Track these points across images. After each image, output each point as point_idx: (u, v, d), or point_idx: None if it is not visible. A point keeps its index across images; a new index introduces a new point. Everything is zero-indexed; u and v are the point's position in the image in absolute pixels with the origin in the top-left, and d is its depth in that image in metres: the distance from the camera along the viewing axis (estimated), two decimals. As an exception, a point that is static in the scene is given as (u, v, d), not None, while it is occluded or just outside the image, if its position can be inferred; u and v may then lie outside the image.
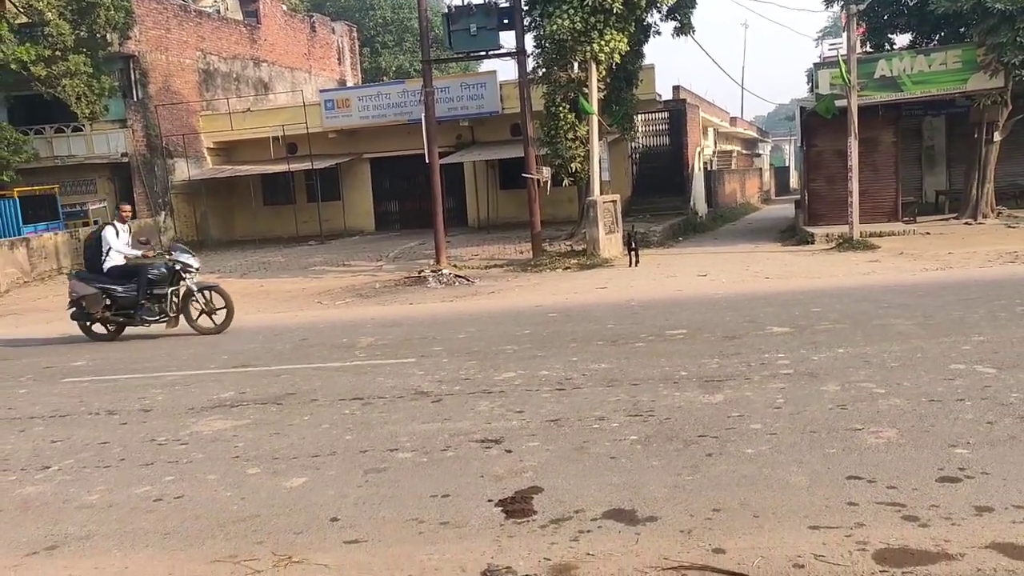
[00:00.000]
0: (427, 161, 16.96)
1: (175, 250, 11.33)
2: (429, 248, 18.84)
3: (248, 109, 27.96)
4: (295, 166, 25.86)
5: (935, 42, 19.10)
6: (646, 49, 20.38)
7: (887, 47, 20.31)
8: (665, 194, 25.82)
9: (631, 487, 4.35)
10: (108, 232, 10.95)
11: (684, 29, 19.58)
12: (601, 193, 17.49)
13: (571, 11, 15.63)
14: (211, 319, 11.03)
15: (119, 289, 10.75)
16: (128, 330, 11.04)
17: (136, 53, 24.99)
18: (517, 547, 3.73)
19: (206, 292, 11.11)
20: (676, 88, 28.41)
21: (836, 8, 20.84)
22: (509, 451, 5.10)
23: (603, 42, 15.97)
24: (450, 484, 4.59)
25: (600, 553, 3.62)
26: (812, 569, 3.34)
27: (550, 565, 3.54)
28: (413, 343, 9.16)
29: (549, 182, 17.89)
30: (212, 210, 27.93)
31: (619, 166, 24.39)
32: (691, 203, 26.18)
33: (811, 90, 19.20)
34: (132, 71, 25.29)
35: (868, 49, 20.01)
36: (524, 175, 17.56)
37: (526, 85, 17.33)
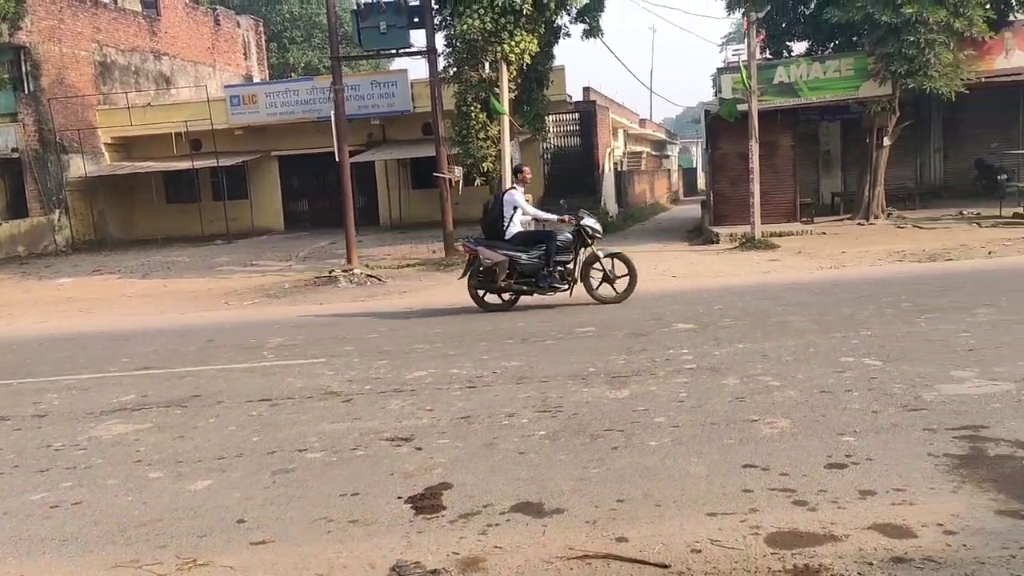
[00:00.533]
0: (337, 160, 16.76)
1: (582, 215, 10.65)
2: (340, 248, 18.63)
3: (149, 104, 27.04)
4: (199, 163, 25.16)
5: (830, 50, 19.94)
6: (556, 51, 20.68)
7: (785, 54, 21.11)
8: (576, 194, 26.12)
9: (539, 481, 4.44)
10: (516, 195, 10.55)
11: (593, 32, 19.91)
12: (513, 193, 17.60)
13: (481, 11, 15.71)
14: (612, 287, 10.46)
15: (523, 256, 10.23)
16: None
17: (27, 44, 23.89)
18: (426, 542, 3.77)
19: (608, 259, 10.53)
20: (586, 90, 28.87)
21: (738, 15, 21.54)
22: (419, 449, 5.13)
23: (513, 43, 16.12)
24: (360, 483, 4.60)
25: (508, 546, 3.69)
26: (708, 554, 3.48)
27: (459, 559, 3.59)
28: (323, 343, 9.07)
29: (461, 181, 17.92)
30: (111, 208, 26.89)
31: (531, 166, 24.36)
32: (602, 203, 26.62)
33: (715, 94, 19.79)
34: (23, 63, 24.17)
35: (768, 56, 20.75)
36: (436, 174, 17.56)
37: (437, 84, 17.34)
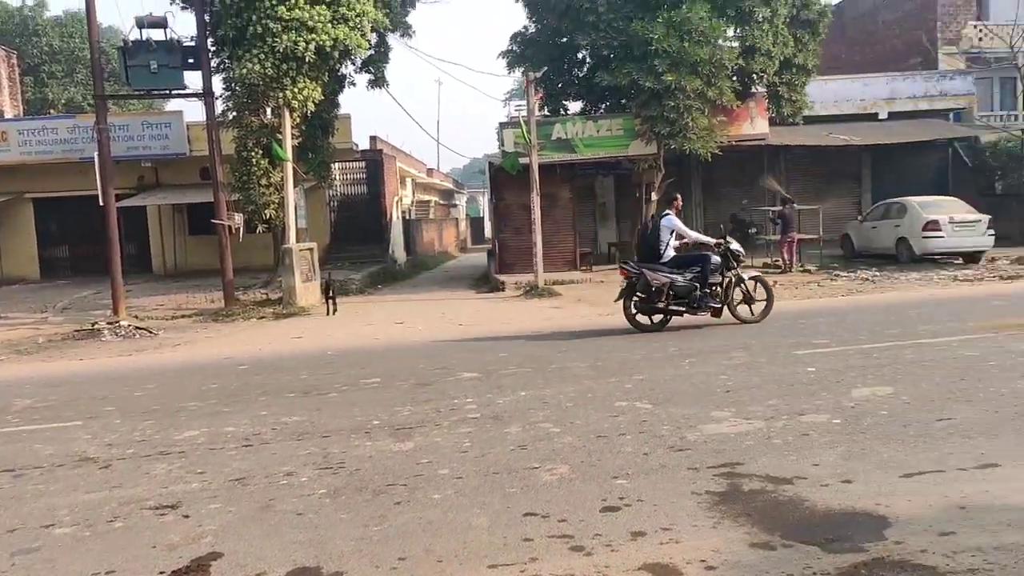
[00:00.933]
0: (101, 203, 15.52)
1: (729, 240, 11.22)
2: (105, 298, 17.21)
3: None
4: (-65, 205, 22.39)
5: (602, 110, 21.31)
6: (342, 99, 20.60)
7: (563, 112, 22.30)
8: (364, 242, 25.97)
9: (317, 543, 4.23)
10: (675, 220, 11.11)
11: (378, 82, 20.03)
12: (298, 240, 17.17)
13: (262, 56, 15.29)
14: (750, 309, 11.13)
15: (679, 279, 10.73)
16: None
17: None
18: (189, 623, 3.46)
19: (750, 281, 11.20)
20: (373, 138, 28.89)
21: (518, 74, 22.54)
22: (187, 516, 4.74)
23: (296, 89, 15.82)
24: (116, 558, 4.17)
25: (280, 618, 3.46)
26: (489, 608, 3.46)
27: (225, 638, 3.32)
28: (80, 404, 8.24)
29: (242, 229, 17.21)
30: None
31: (317, 213, 24.18)
32: (390, 251, 26.58)
33: (499, 147, 20.49)
34: None
35: (546, 113, 21.82)
36: (214, 221, 16.73)
37: (215, 128, 16.62)
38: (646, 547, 3.98)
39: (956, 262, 18.80)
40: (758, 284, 11.38)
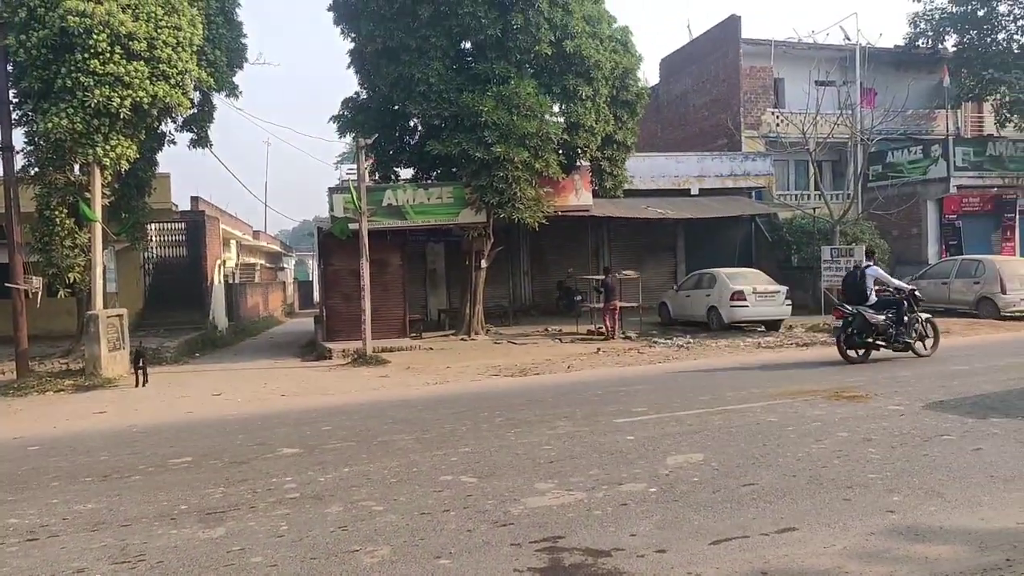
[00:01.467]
0: None
1: (912, 286, 14.12)
2: None
3: None
4: None
5: (433, 178, 21.57)
6: (161, 157, 19.69)
7: (393, 179, 22.37)
8: (183, 307, 24.65)
9: (106, 653, 3.84)
10: (879, 271, 14.15)
11: (201, 142, 19.35)
12: (106, 306, 16.02)
13: (70, 111, 14.32)
14: (923, 344, 13.68)
15: (880, 318, 13.26)
16: None
17: None
18: None
19: (926, 323, 13.75)
20: (195, 199, 27.74)
21: (349, 139, 22.46)
22: (-50, 631, 4.18)
23: (108, 146, 14.89)
24: None
25: None
26: None
27: None
28: None
29: (41, 293, 15.85)
30: None
31: (129, 277, 22.79)
32: (211, 317, 25.36)
33: (328, 211, 20.20)
34: None
35: (377, 179, 21.81)
36: (8, 284, 15.32)
37: (14, 184, 15.30)
38: (465, 634, 3.90)
39: (759, 329, 20.24)
40: (929, 324, 13.82)
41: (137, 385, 14.15)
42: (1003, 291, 20.76)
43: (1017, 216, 27.44)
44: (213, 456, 8.09)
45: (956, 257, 23.79)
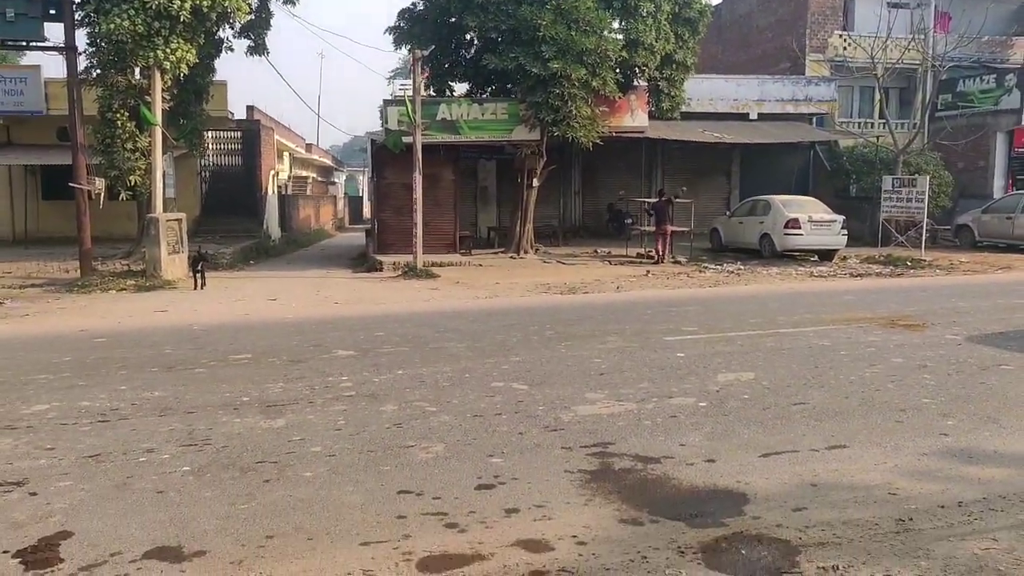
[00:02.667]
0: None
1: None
2: (-56, 263, 15.86)
3: None
4: None
5: (488, 94, 21.28)
6: (219, 64, 19.70)
7: (448, 93, 22.14)
8: (237, 215, 25.03)
9: (178, 522, 4.06)
10: None
11: (258, 49, 19.30)
12: (165, 210, 16.34)
13: (132, 12, 14.35)
14: None
15: None
16: None
17: None
18: (35, 606, 3.25)
19: None
20: (250, 108, 27.84)
21: (405, 51, 22.20)
22: (34, 494, 4.46)
23: (168, 50, 14.95)
24: (-50, 541, 3.86)
25: (137, 599, 3.30)
26: (360, 585, 3.41)
27: (75, 621, 3.13)
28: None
29: (103, 195, 16.20)
30: None
31: (187, 183, 23.13)
32: (264, 226, 25.73)
33: (382, 125, 20.11)
34: None
35: (432, 93, 21.59)
36: (72, 185, 15.68)
37: (76, 86, 15.46)
38: (519, 524, 4.03)
39: (813, 259, 19.91)
40: None
41: (196, 288, 14.53)
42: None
43: (1091, 152, 26.24)
44: (272, 354, 8.33)
45: (1022, 191, 22.93)
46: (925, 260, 18.70)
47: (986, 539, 3.87)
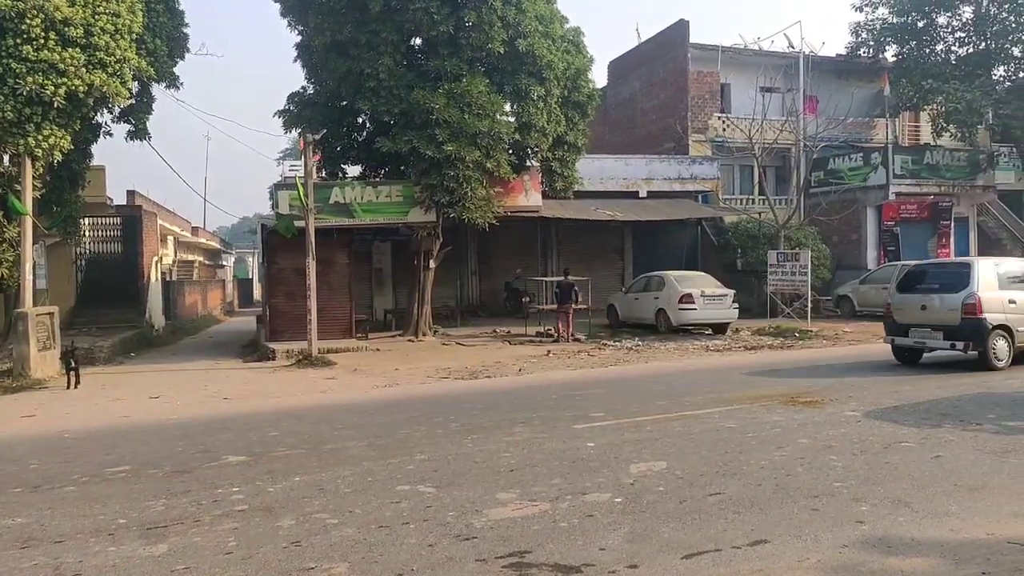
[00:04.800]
0: None
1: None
2: None
3: None
4: None
5: (382, 176, 21.14)
6: (96, 149, 18.88)
7: (341, 176, 21.89)
8: (117, 305, 23.77)
9: None
10: None
11: (139, 134, 18.59)
12: (36, 303, 15.28)
13: (0, 98, 13.61)
14: None
15: None
16: None
17: None
18: None
19: None
20: (131, 193, 26.83)
21: (295, 134, 21.90)
22: None
23: (40, 136, 14.17)
24: None
25: None
26: None
27: None
28: None
29: (-34, 289, 15.06)
30: None
31: (61, 272, 21.86)
32: (147, 315, 24.50)
33: (272, 208, 19.62)
34: None
35: (324, 176, 21.29)
36: (-70, 279, 14.52)
37: (-62, 173, 14.52)
38: (434, 663, 3.65)
39: (707, 332, 20.34)
40: None
41: (69, 387, 13.48)
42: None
43: (952, 223, 28.18)
44: (152, 465, 7.65)
45: (896, 263, 24.29)
46: (812, 331, 19.37)
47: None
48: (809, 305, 21.12)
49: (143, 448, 8.51)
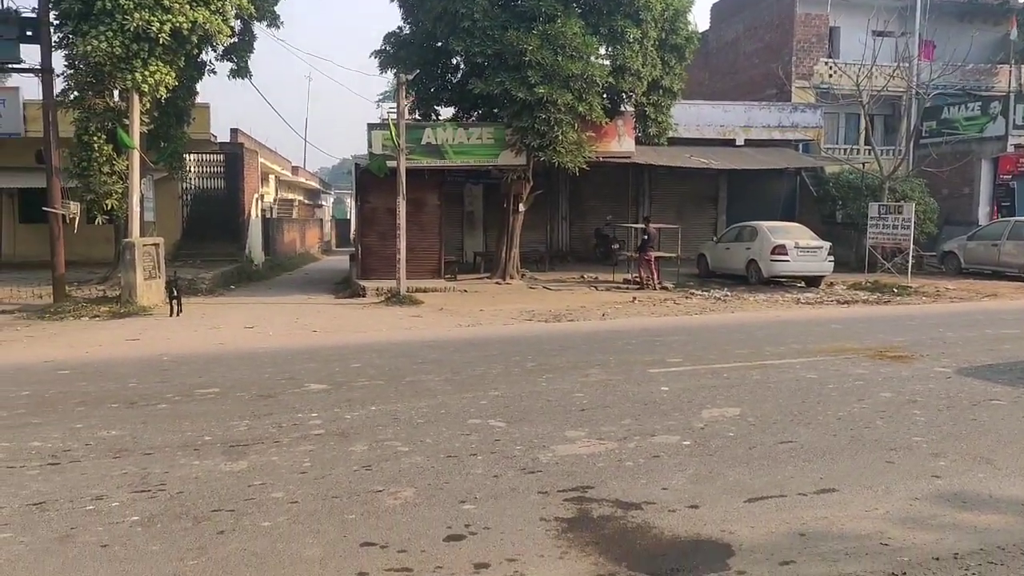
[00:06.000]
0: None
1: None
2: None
3: None
4: None
5: (474, 118, 21.13)
6: (201, 87, 19.52)
7: (434, 117, 21.98)
8: (219, 239, 24.73)
9: (119, 582, 3.76)
10: None
11: (241, 72, 19.09)
12: (144, 235, 16.05)
13: (109, 34, 14.14)
14: None
15: None
16: None
17: None
18: None
19: None
20: (234, 131, 27.62)
21: (391, 75, 22.04)
22: (-32, 549, 4.14)
23: (147, 72, 14.73)
24: None
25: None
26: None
27: None
28: None
29: (78, 218, 15.90)
30: None
31: (167, 207, 22.81)
32: (247, 250, 25.42)
33: (367, 149, 19.91)
34: None
35: (417, 116, 21.43)
36: (46, 209, 15.38)
37: (53, 108, 15.21)
38: (486, 582, 3.75)
39: (799, 285, 19.76)
40: None
41: (171, 314, 14.20)
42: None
43: (1076, 179, 26.31)
44: (240, 388, 8.03)
45: (1009, 219, 22.92)
46: (911, 287, 18.56)
47: (986, 599, 3.62)
48: (911, 260, 20.19)
49: (233, 373, 8.93)
